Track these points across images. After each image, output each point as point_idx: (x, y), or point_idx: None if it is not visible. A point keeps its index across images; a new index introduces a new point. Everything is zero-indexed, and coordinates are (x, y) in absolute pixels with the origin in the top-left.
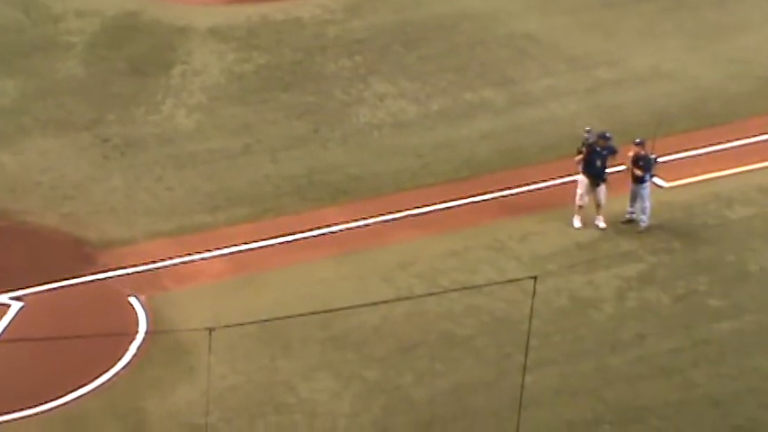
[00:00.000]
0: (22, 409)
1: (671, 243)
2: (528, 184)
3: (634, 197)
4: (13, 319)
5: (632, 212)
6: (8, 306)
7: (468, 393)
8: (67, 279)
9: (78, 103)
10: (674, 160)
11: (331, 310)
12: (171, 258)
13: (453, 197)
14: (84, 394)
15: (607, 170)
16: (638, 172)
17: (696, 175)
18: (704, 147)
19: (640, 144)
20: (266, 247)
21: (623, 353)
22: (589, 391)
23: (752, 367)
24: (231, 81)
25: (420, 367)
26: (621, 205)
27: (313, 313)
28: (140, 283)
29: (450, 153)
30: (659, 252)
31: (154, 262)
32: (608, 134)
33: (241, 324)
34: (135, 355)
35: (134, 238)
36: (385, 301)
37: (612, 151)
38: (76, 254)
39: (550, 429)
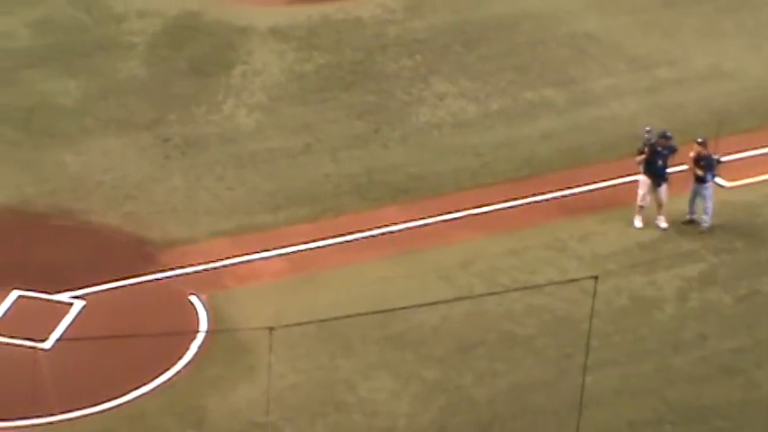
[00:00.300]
0: (83, 408)
1: (733, 243)
2: (588, 184)
3: (695, 197)
4: (75, 318)
5: (693, 213)
6: (70, 305)
7: (529, 393)
8: (129, 278)
9: (140, 103)
10: (735, 160)
11: (390, 310)
12: (231, 258)
13: (513, 197)
14: (145, 393)
15: (668, 170)
16: (700, 172)
17: (758, 174)
18: (766, 146)
19: (702, 144)
20: (326, 246)
21: (685, 353)
22: (651, 391)
23: None
24: (292, 80)
25: (479, 367)
26: (683, 205)
27: (372, 313)
28: (201, 283)
29: (510, 152)
30: (721, 252)
31: (214, 261)
32: (669, 133)
33: (301, 323)
34: (196, 354)
35: (195, 237)
36: (444, 301)
37: (673, 150)
38: (138, 253)
39: (611, 429)
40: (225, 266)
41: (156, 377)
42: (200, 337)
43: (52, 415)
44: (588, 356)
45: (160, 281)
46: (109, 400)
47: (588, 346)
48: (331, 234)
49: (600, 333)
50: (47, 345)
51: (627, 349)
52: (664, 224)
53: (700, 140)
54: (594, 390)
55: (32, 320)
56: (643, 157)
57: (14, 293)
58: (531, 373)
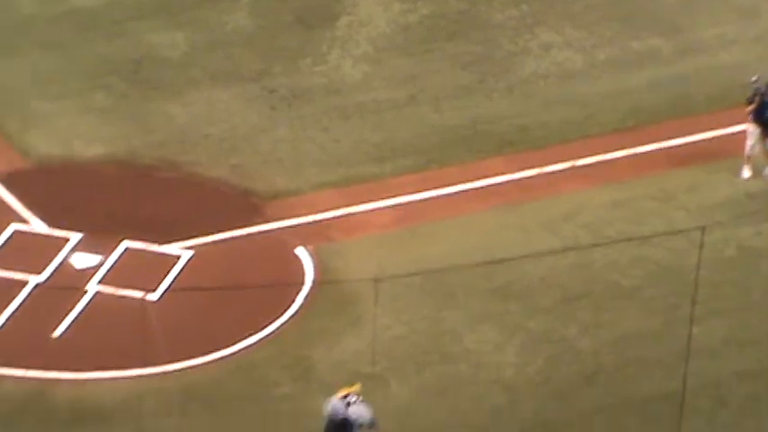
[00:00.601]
0: (191, 358)
1: None
2: (695, 134)
3: None
4: (183, 268)
5: None
6: (178, 256)
7: (634, 344)
8: (236, 230)
9: (246, 55)
10: None
11: (496, 261)
12: (337, 209)
13: (619, 147)
14: (252, 344)
15: None
16: None
17: None
18: None
19: None
20: (431, 198)
21: None
22: (757, 342)
23: None
24: (397, 31)
25: (585, 318)
26: None
27: (478, 264)
28: (307, 234)
29: (617, 103)
30: None
31: (320, 213)
32: None
33: (406, 275)
34: (302, 306)
35: (301, 188)
36: (550, 252)
37: None
38: (244, 205)
39: (718, 380)
40: (331, 218)
41: (263, 328)
42: (306, 289)
43: (161, 365)
44: (695, 307)
45: (267, 233)
46: (216, 351)
47: (695, 296)
48: (436, 185)
49: (707, 284)
50: (155, 296)
51: (734, 300)
52: None
53: None
54: (701, 340)
55: (141, 272)
56: (752, 106)
57: (123, 245)
58: (636, 324)
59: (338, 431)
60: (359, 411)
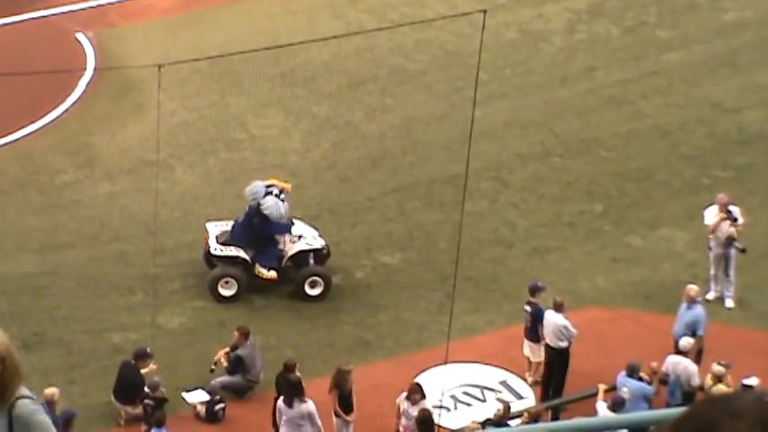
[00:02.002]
0: None
1: None
2: None
3: None
4: None
5: None
6: None
7: (419, 127)
8: (15, 15)
9: None
10: None
11: (281, 46)
12: None
13: None
14: (34, 131)
15: None
16: None
17: None
18: None
19: None
20: None
21: (573, 85)
22: (539, 123)
23: (700, 97)
24: None
25: (370, 102)
26: None
27: (263, 49)
28: (87, 19)
29: None
30: None
31: None
32: None
33: (190, 60)
34: (84, 92)
35: None
36: (335, 36)
37: None
38: None
39: (500, 161)
40: (111, 3)
41: (45, 115)
42: (87, 75)
43: None
44: (478, 90)
45: (46, 18)
46: None
47: (477, 79)
48: None
49: (490, 67)
50: None
51: (516, 82)
52: None
53: None
54: (484, 123)
55: None
56: None
57: None
58: (421, 108)
59: (251, 216)
60: (271, 203)
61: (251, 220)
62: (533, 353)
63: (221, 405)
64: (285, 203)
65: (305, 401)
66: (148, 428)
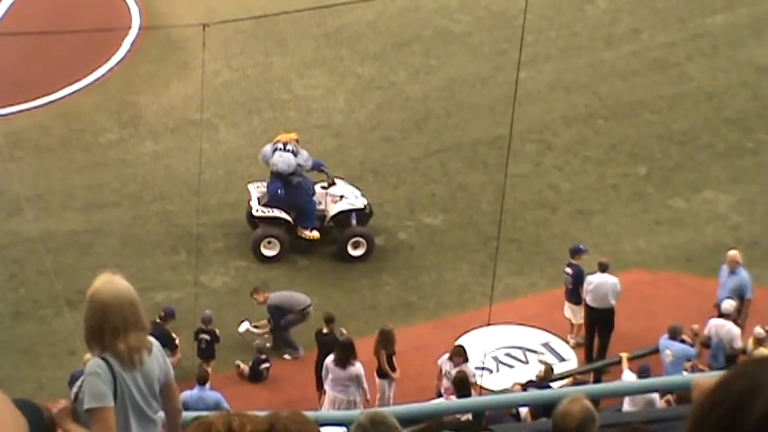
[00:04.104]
0: (16, 104)
1: None
2: None
3: None
4: (5, 13)
5: None
6: None
7: (463, 89)
8: None
9: None
10: None
11: (326, 6)
12: None
13: None
14: (79, 90)
15: None
16: None
17: None
18: None
19: None
20: None
21: (618, 48)
22: (583, 86)
23: (745, 60)
24: None
25: (414, 63)
26: None
27: (308, 9)
28: None
29: None
30: None
31: None
32: None
33: (235, 20)
34: (128, 51)
35: None
36: None
37: None
38: None
39: (544, 124)
40: None
41: (89, 74)
42: (132, 34)
43: None
44: (522, 52)
45: None
46: (42, 97)
47: (522, 41)
48: None
49: (534, 28)
50: None
51: (560, 44)
52: None
53: None
54: (528, 85)
55: None
56: None
57: None
58: (465, 69)
59: (275, 176)
60: (276, 159)
61: (276, 188)
62: (574, 315)
63: (266, 364)
64: (294, 154)
65: (354, 364)
66: (202, 363)
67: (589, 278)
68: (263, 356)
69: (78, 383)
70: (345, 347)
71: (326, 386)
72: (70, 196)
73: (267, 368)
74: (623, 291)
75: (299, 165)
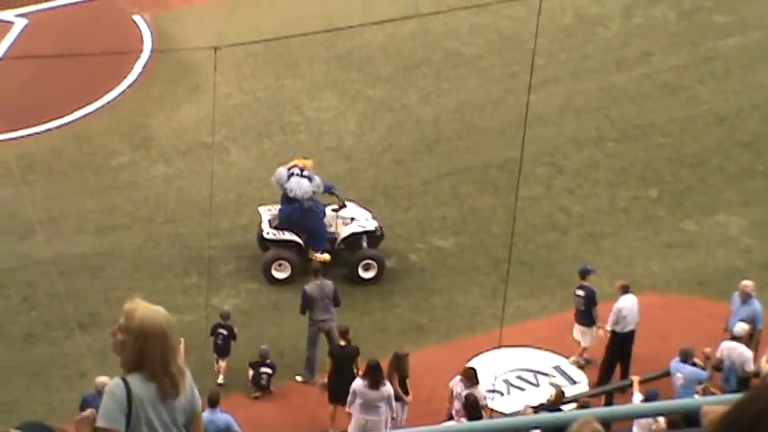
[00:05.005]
0: (29, 127)
1: None
2: None
3: None
4: (18, 36)
5: None
6: (12, 23)
7: (474, 112)
8: None
9: None
10: None
11: (337, 29)
12: None
13: None
14: (91, 112)
15: None
16: None
17: None
18: None
19: None
20: None
21: (629, 70)
22: (594, 109)
23: (756, 83)
24: None
25: (425, 86)
26: None
27: (318, 32)
28: (144, 1)
29: None
30: None
31: None
32: None
33: (246, 43)
34: (140, 74)
35: None
36: (390, 20)
37: None
38: None
39: (555, 146)
40: None
41: (101, 97)
42: (144, 57)
43: None
44: (533, 75)
45: (103, 0)
46: (54, 120)
47: (533, 64)
48: None
49: (545, 51)
50: None
51: (572, 67)
52: None
53: None
54: (539, 108)
55: None
56: None
57: None
58: (476, 92)
59: (287, 200)
60: (293, 185)
61: (289, 211)
62: (584, 337)
63: (267, 370)
64: (309, 179)
65: (385, 384)
66: (218, 359)
67: (620, 305)
68: (269, 361)
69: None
70: (376, 369)
71: (353, 410)
72: (82, 219)
73: (269, 375)
74: None
75: (314, 191)
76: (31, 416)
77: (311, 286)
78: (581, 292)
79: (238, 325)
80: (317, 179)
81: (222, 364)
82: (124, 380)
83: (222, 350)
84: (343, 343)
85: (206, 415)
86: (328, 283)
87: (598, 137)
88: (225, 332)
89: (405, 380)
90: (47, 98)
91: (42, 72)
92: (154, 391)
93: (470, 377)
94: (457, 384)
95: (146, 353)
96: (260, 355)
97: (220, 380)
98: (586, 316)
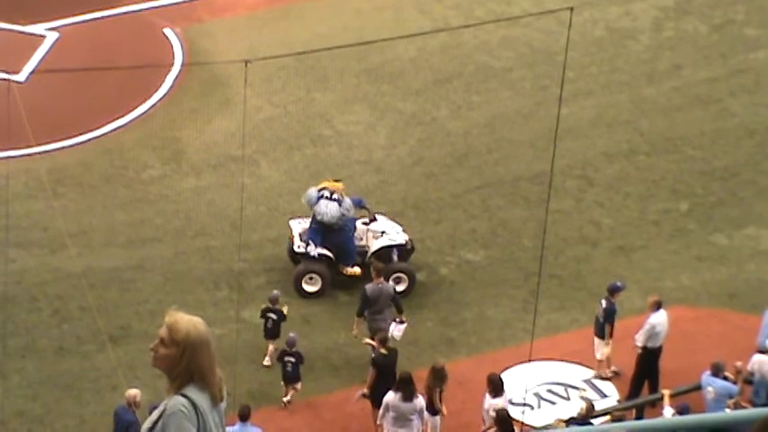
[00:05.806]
0: (59, 140)
1: None
2: None
3: None
4: (49, 50)
5: None
6: (44, 37)
7: (505, 125)
8: (103, 10)
9: None
10: None
11: (367, 42)
12: None
13: None
14: (121, 126)
15: None
16: None
17: None
18: None
19: None
20: None
21: (659, 83)
22: (625, 122)
23: None
24: None
25: (456, 99)
26: None
27: (349, 45)
28: (175, 15)
29: None
30: None
31: None
32: None
33: (277, 56)
34: (171, 87)
35: None
36: (421, 33)
37: None
38: None
39: (586, 159)
40: None
41: (132, 110)
42: (175, 70)
43: (29, 147)
44: (564, 88)
45: (134, 13)
46: (85, 133)
47: (564, 77)
48: None
49: (576, 65)
50: (21, 77)
51: (602, 80)
52: None
53: None
54: (570, 121)
55: (5, 52)
56: None
57: None
58: (507, 105)
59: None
60: (322, 209)
61: (318, 230)
62: (598, 349)
63: (291, 359)
64: (339, 203)
65: (418, 396)
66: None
67: (653, 321)
68: (294, 349)
69: (154, 416)
70: (409, 381)
71: (385, 422)
72: (113, 232)
73: (293, 364)
74: None
75: (342, 214)
76: (62, 429)
77: (371, 287)
78: (604, 304)
79: None
80: (347, 201)
81: (271, 347)
82: (185, 395)
83: (271, 333)
84: (384, 351)
85: (237, 429)
86: (389, 286)
87: (629, 150)
88: (275, 316)
89: (441, 393)
90: (78, 112)
91: (73, 86)
92: (208, 400)
93: (496, 385)
94: (487, 398)
95: (195, 363)
96: (287, 343)
97: (266, 362)
98: (601, 328)
